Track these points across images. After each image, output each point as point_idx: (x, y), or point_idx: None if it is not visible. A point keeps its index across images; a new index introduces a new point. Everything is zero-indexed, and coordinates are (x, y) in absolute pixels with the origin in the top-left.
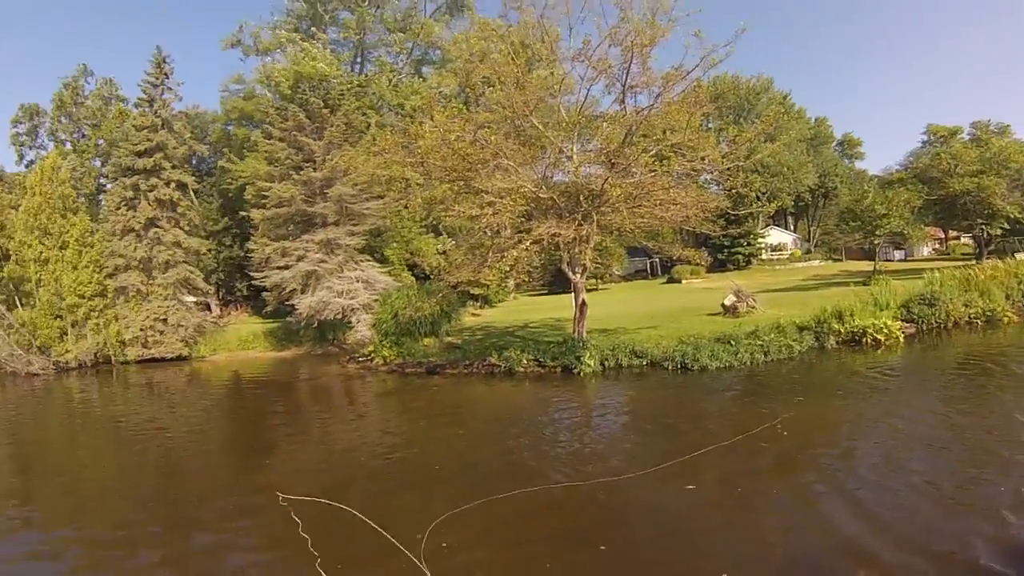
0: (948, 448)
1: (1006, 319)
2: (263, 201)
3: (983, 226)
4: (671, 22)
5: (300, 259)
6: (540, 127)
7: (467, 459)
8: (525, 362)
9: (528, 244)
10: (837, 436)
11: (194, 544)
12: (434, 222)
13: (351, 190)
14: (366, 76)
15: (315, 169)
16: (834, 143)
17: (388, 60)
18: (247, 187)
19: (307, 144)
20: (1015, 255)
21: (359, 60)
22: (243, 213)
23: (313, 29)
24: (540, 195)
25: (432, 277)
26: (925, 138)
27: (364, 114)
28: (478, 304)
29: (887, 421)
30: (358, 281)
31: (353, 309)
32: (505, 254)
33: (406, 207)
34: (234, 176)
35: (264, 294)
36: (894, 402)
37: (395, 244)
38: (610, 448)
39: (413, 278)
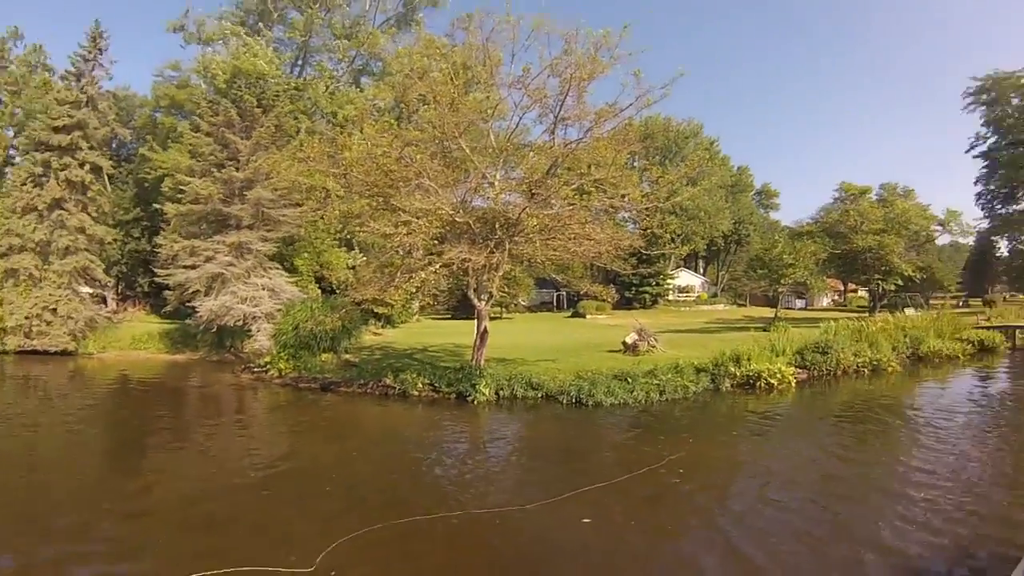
0: (827, 489)
1: (890, 369)
2: (180, 196)
3: (880, 281)
4: (613, 59)
5: (208, 260)
6: (467, 151)
7: (359, 482)
8: (420, 386)
9: (437, 267)
10: (727, 476)
11: (40, 555)
12: (348, 236)
13: (271, 194)
14: (304, 79)
15: (237, 169)
16: (753, 192)
17: (329, 66)
18: (165, 179)
19: (234, 142)
20: (904, 310)
21: (300, 62)
22: (157, 205)
23: (260, 25)
24: (456, 219)
25: (338, 292)
26: (837, 194)
27: (296, 118)
28: (380, 323)
29: (772, 462)
30: (264, 289)
31: (255, 317)
32: (413, 275)
33: (322, 218)
34: (154, 166)
35: (166, 293)
36: (781, 444)
37: (306, 254)
38: (504, 478)
39: (320, 291)
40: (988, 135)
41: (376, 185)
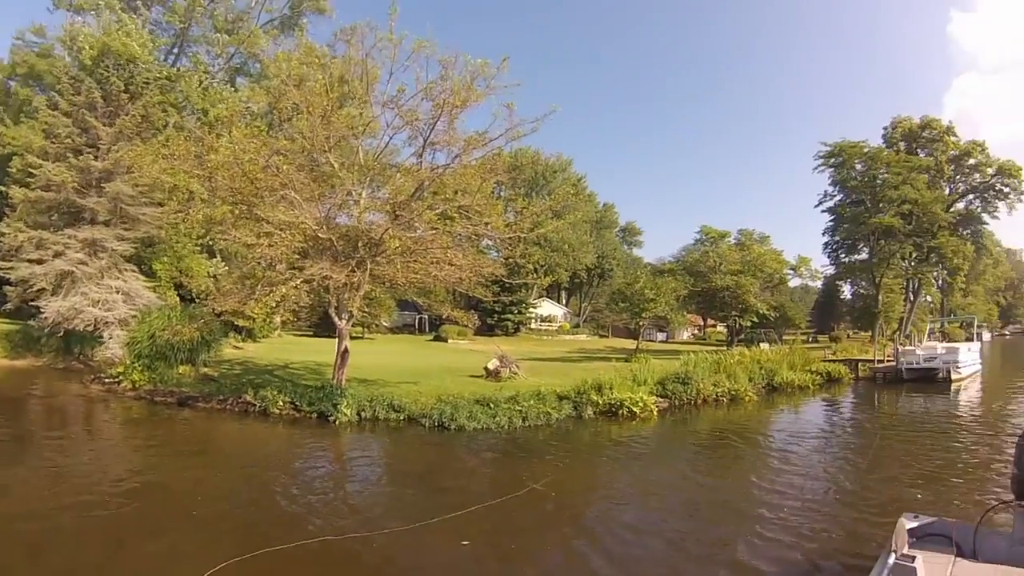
0: (687, 511)
1: (747, 398)
2: (29, 180)
3: (736, 317)
4: (489, 89)
5: (57, 255)
6: (336, 165)
7: (217, 506)
8: (281, 404)
9: (298, 282)
10: (591, 501)
11: None
12: (210, 243)
13: (131, 190)
14: (178, 70)
15: (96, 157)
16: (617, 229)
17: (206, 60)
18: (14, 158)
19: (95, 127)
20: (760, 344)
21: (176, 51)
22: (1, 187)
23: (138, 2)
24: (320, 234)
25: (198, 301)
26: (698, 236)
27: (165, 110)
28: (241, 337)
29: (634, 487)
30: (118, 292)
31: (107, 323)
32: (274, 289)
33: (185, 221)
34: (2, 142)
35: (6, 288)
36: (644, 470)
37: (166, 259)
38: (369, 503)
39: (178, 298)
40: (835, 193)
41: (241, 192)
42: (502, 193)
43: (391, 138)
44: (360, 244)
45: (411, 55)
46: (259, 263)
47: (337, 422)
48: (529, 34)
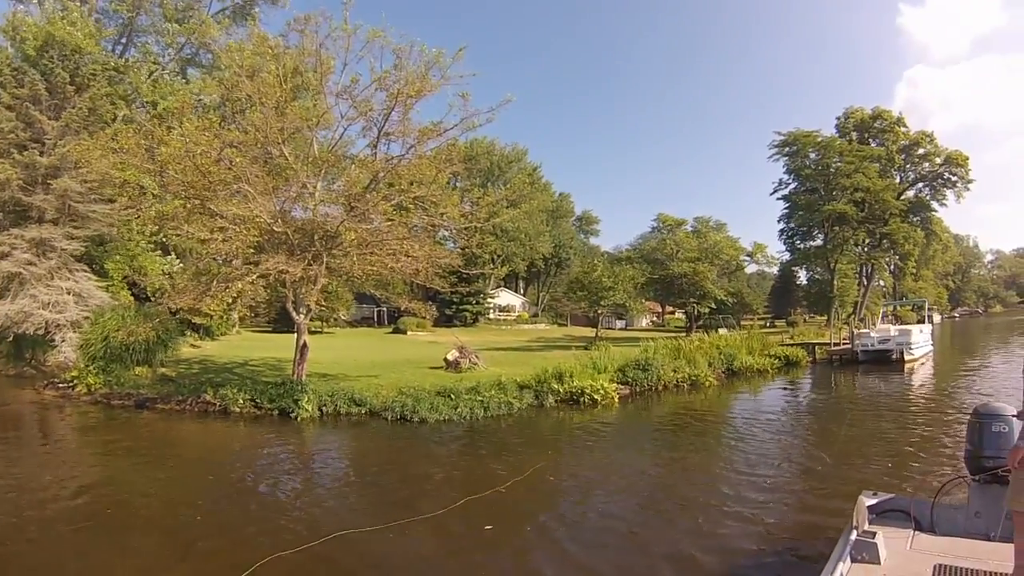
0: (654, 495)
1: (707, 383)
2: None
3: (695, 304)
4: (443, 79)
5: (3, 257)
6: (290, 158)
7: (183, 512)
8: (242, 402)
9: (254, 277)
10: (560, 489)
11: None
12: (164, 239)
13: (79, 187)
14: (127, 61)
15: (42, 153)
16: (573, 218)
17: (155, 50)
18: None
19: (39, 121)
20: (718, 330)
21: (124, 41)
22: None
23: None
24: (275, 228)
25: (153, 299)
26: (655, 224)
27: (113, 103)
28: (199, 335)
29: (600, 473)
30: (69, 293)
31: (59, 325)
32: (230, 285)
33: (137, 217)
34: None
35: None
36: (608, 455)
37: (118, 257)
38: (340, 502)
39: (132, 298)
40: (789, 181)
41: (193, 186)
42: (458, 183)
43: (345, 129)
44: (316, 237)
45: (365, 45)
46: (214, 259)
47: (299, 418)
48: (485, 25)
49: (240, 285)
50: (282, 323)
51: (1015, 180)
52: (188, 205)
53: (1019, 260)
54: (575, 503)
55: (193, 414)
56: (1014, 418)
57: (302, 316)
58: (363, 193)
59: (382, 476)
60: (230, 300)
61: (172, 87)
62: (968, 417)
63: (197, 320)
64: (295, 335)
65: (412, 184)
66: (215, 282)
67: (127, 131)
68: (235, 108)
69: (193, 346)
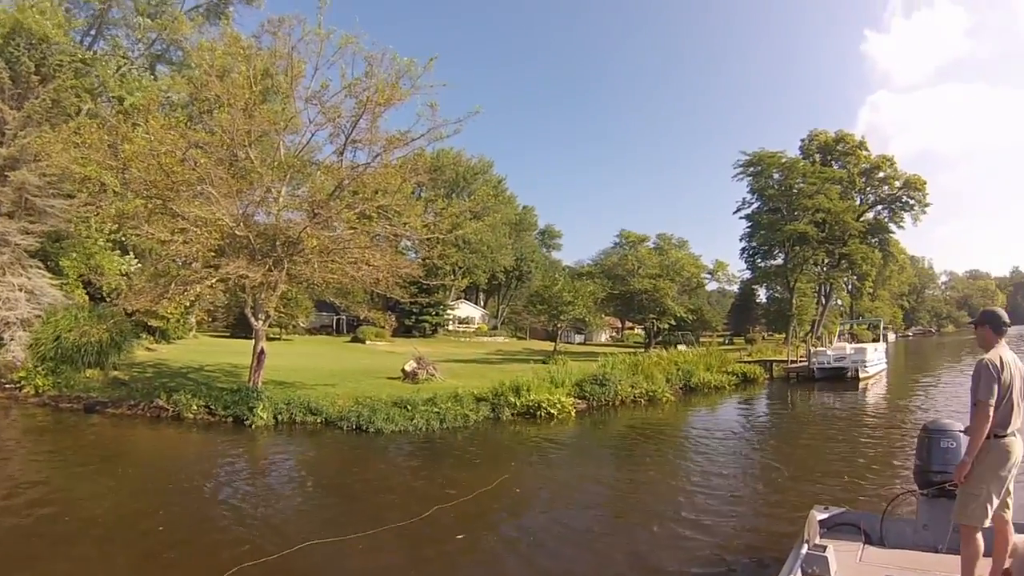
0: (608, 511)
1: (665, 399)
2: None
3: (654, 320)
4: (413, 88)
5: None
6: (256, 161)
7: (135, 523)
8: (195, 408)
9: (214, 281)
10: (518, 503)
11: None
12: (122, 238)
13: (38, 180)
14: (95, 53)
15: (1, 143)
16: (536, 231)
17: (125, 44)
18: None
19: (1, 110)
20: (677, 346)
21: (94, 32)
22: None
23: None
24: (237, 232)
25: (108, 300)
26: (618, 240)
27: (79, 95)
28: (154, 338)
29: (556, 487)
30: (21, 290)
31: (8, 323)
32: (189, 288)
33: (97, 214)
34: None
35: None
36: (563, 469)
37: (75, 255)
38: (299, 512)
39: (87, 297)
40: (753, 201)
41: (156, 185)
42: (422, 194)
43: (313, 135)
44: (278, 243)
45: (338, 50)
46: (174, 260)
47: (253, 426)
48: (456, 36)
49: (199, 288)
50: (240, 328)
51: (967, 201)
52: (149, 205)
53: (971, 282)
54: (534, 515)
55: (145, 419)
56: (961, 434)
57: (261, 322)
58: (327, 200)
59: (341, 486)
60: (188, 303)
61: (140, 83)
62: (919, 433)
63: (153, 323)
64: (253, 341)
65: (377, 193)
66: (173, 284)
67: (91, 125)
68: (203, 108)
69: (148, 349)
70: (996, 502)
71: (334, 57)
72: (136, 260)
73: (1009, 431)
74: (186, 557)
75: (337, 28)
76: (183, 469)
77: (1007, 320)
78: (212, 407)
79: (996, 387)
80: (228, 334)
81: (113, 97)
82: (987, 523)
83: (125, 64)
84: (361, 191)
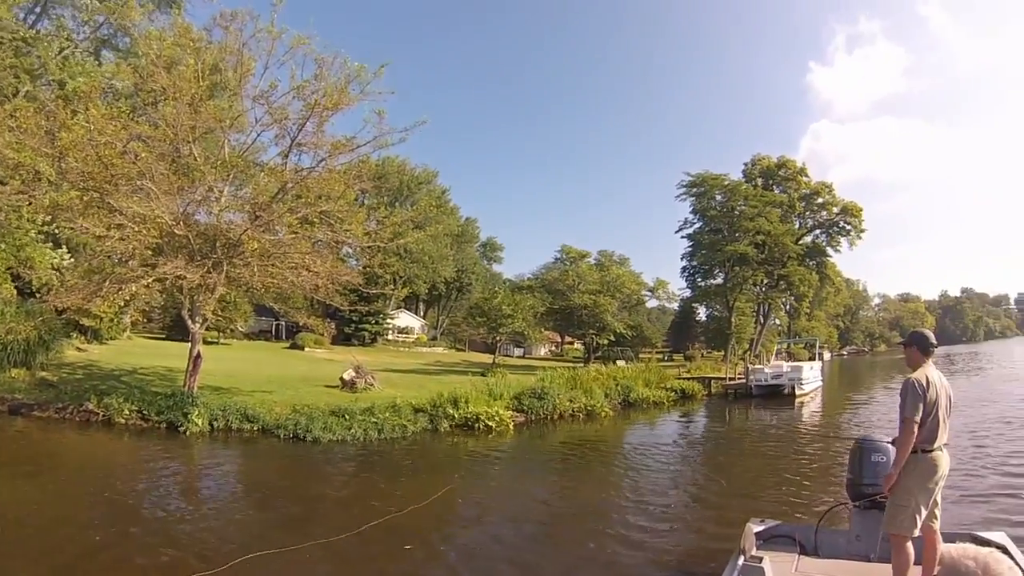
0: (544, 522)
1: (603, 414)
2: None
3: (594, 335)
4: (362, 94)
5: None
6: (199, 159)
7: (57, 535)
8: (127, 412)
9: (150, 281)
10: (454, 515)
11: None
12: (55, 231)
13: None
14: (38, 33)
15: None
16: (478, 243)
17: (70, 26)
18: None
19: None
20: (616, 362)
21: (38, 10)
22: None
23: None
24: (176, 230)
25: (38, 295)
26: (559, 255)
27: (17, 76)
28: (86, 338)
29: (495, 500)
30: None
31: None
32: (124, 286)
33: (29, 204)
34: None
35: None
36: (500, 482)
37: (3, 246)
38: (231, 526)
39: (15, 291)
40: (695, 221)
41: (93, 177)
42: (365, 201)
43: (259, 135)
44: (218, 244)
45: (289, 50)
46: (109, 257)
47: (188, 432)
48: (410, 49)
49: (134, 288)
50: (177, 331)
51: (900, 230)
52: (86, 197)
53: (902, 304)
54: (469, 531)
55: (74, 423)
56: (891, 448)
57: (197, 325)
58: (270, 202)
59: (277, 498)
60: (122, 303)
61: (83, 67)
62: (850, 448)
63: (85, 322)
64: (189, 344)
65: (320, 198)
66: (108, 282)
67: (28, 109)
68: (147, 99)
69: (79, 349)
70: (924, 513)
71: (285, 57)
72: (69, 255)
73: (935, 446)
74: (107, 570)
75: (290, 28)
76: (112, 476)
77: (934, 341)
78: (145, 412)
79: (922, 405)
80: (164, 336)
81: (53, 80)
82: (916, 532)
83: (69, 46)
84: (304, 195)
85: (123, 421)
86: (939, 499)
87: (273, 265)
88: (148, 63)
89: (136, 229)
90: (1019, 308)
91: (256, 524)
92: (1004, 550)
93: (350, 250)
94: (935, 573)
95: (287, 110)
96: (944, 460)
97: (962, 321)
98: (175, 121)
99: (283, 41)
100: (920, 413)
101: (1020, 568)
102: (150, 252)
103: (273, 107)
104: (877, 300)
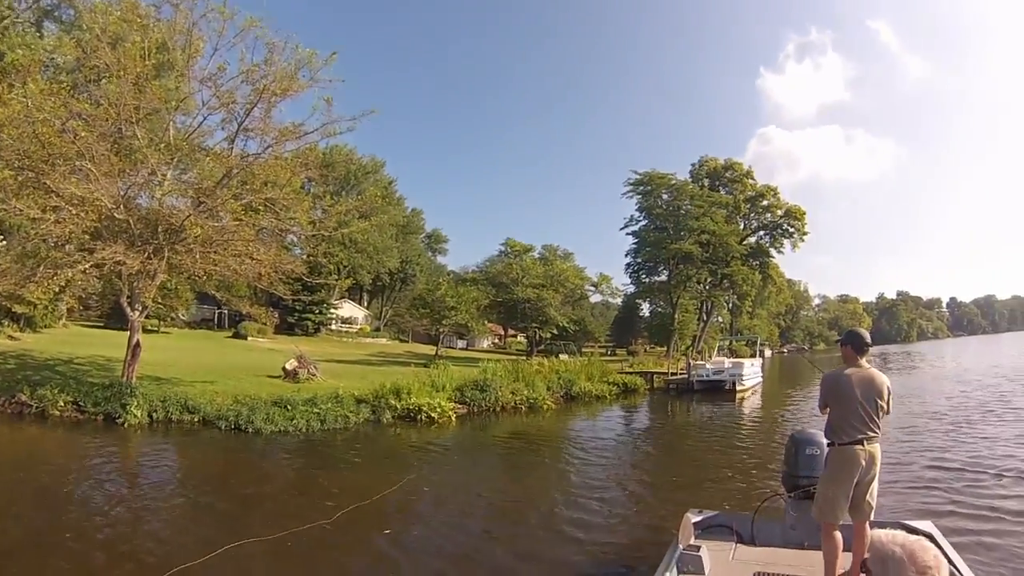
0: (483, 516)
1: (545, 407)
2: None
3: (537, 329)
4: (312, 81)
5: None
6: (142, 140)
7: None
8: (62, 404)
9: (87, 266)
10: (401, 507)
11: None
12: None
13: None
14: None
15: None
16: (423, 235)
17: None
18: None
19: None
20: (559, 355)
21: None
22: None
23: None
24: (116, 214)
25: None
26: (503, 248)
27: None
28: (18, 326)
29: (439, 491)
30: None
31: None
32: (59, 271)
33: None
34: None
35: None
36: (442, 475)
37: None
38: (170, 525)
39: None
40: (641, 219)
41: (29, 156)
42: (311, 189)
43: (205, 118)
44: (160, 229)
45: (240, 33)
46: (44, 241)
47: (126, 424)
48: (358, 35)
49: (71, 273)
50: (115, 319)
51: (840, 237)
52: (20, 177)
53: (841, 305)
54: (409, 526)
55: (4, 416)
56: (824, 442)
57: (137, 313)
58: (214, 188)
59: (217, 495)
60: (58, 289)
61: (23, 39)
62: (786, 441)
63: (18, 308)
64: (128, 333)
65: (266, 185)
66: (42, 267)
67: None
68: (90, 76)
69: (11, 338)
70: (845, 503)
71: (235, 39)
72: (1, 237)
73: (850, 440)
74: (31, 571)
75: (241, 10)
76: (42, 472)
77: (868, 340)
78: (81, 403)
79: (830, 399)
80: (102, 324)
81: None
82: (841, 520)
83: (9, 16)
84: (250, 182)
85: (58, 413)
86: (873, 490)
87: (216, 252)
88: (92, 38)
89: (74, 212)
90: (950, 311)
91: (191, 523)
92: (931, 538)
93: (295, 239)
94: (865, 556)
95: (235, 94)
96: (862, 453)
97: (897, 322)
98: (118, 100)
99: (234, 23)
100: (825, 405)
101: (946, 556)
102: (88, 236)
103: (221, 90)
104: (817, 301)
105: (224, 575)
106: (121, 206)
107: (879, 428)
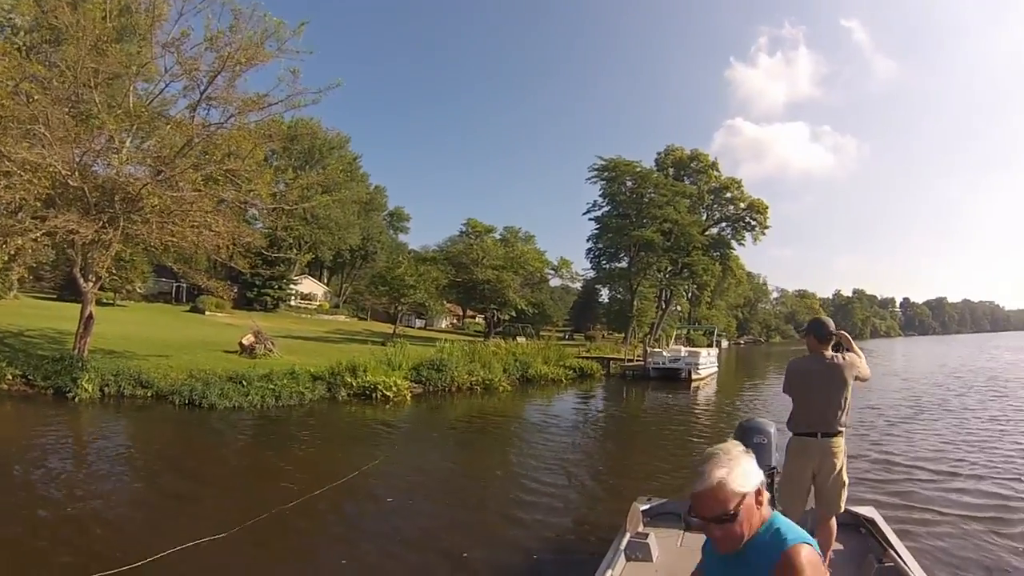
0: (436, 499)
1: (501, 388)
2: None
3: (495, 310)
4: (279, 51)
5: None
6: (100, 106)
7: None
8: (11, 377)
9: (39, 235)
10: (352, 488)
11: None
12: None
13: None
14: None
15: None
16: (385, 212)
17: None
18: None
19: None
20: (517, 338)
21: None
22: None
23: None
24: (70, 181)
25: None
26: (464, 229)
27: None
28: None
29: (397, 470)
30: None
31: None
32: (9, 240)
33: None
34: None
35: None
36: (395, 454)
37: None
38: (128, 509)
39: None
40: (604, 205)
41: None
42: (274, 162)
43: (167, 85)
44: (116, 198)
45: None
46: None
47: (77, 399)
48: (337, 13)
49: (21, 241)
50: (69, 291)
51: (802, 231)
52: None
53: (799, 300)
54: (367, 505)
55: None
56: (772, 431)
57: (90, 284)
58: (174, 157)
59: (170, 476)
60: (7, 257)
61: None
62: (734, 431)
63: None
64: (81, 305)
65: (227, 156)
66: None
67: None
68: (47, 37)
69: None
70: (799, 491)
71: (201, 4)
72: None
73: (802, 430)
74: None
75: None
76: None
77: (832, 329)
78: (30, 377)
79: (792, 388)
80: (55, 296)
81: None
82: (802, 509)
83: None
84: (211, 152)
85: (6, 387)
86: (838, 483)
87: (174, 223)
88: None
89: (26, 178)
90: (903, 311)
91: (141, 508)
92: (873, 523)
93: (256, 212)
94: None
95: (199, 61)
96: (816, 445)
97: (851, 320)
98: (76, 63)
99: None
100: (789, 392)
101: (888, 541)
102: (40, 203)
103: (184, 57)
104: (776, 294)
105: (177, 564)
106: (76, 173)
107: (839, 421)
